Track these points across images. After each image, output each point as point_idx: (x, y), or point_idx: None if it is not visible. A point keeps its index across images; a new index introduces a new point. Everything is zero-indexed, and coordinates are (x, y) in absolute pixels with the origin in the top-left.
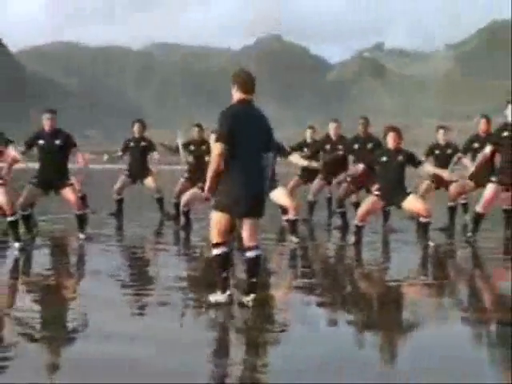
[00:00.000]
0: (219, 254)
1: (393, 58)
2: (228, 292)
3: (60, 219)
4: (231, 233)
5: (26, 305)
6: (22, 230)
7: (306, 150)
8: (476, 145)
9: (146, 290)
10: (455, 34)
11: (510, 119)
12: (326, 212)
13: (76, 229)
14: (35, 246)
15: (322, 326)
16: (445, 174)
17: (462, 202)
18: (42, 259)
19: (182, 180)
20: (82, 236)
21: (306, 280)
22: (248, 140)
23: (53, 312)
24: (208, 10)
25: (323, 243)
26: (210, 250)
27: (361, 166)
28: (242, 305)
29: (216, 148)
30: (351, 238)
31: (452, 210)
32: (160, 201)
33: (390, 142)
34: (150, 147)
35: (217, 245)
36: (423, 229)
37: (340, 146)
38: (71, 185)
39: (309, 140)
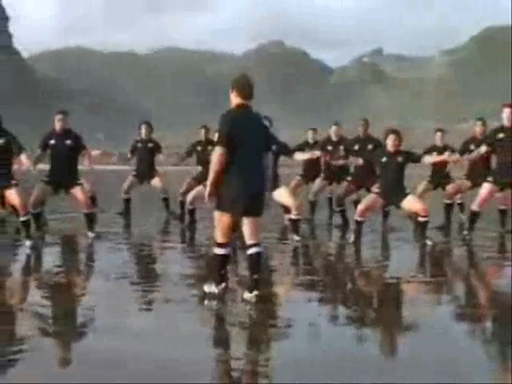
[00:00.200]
0: (220, 255)
1: (391, 63)
2: (223, 285)
3: (69, 218)
4: (234, 232)
5: (38, 301)
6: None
7: (307, 150)
8: (472, 147)
9: (153, 287)
10: (450, 41)
11: (505, 122)
12: (327, 211)
13: (85, 227)
14: (46, 244)
15: (323, 321)
16: (444, 156)
17: (458, 201)
18: (52, 257)
19: (189, 179)
20: (90, 234)
21: (307, 277)
22: (247, 142)
23: (63, 307)
24: (216, 16)
25: (324, 242)
26: (212, 248)
27: (360, 161)
28: (245, 301)
29: (216, 151)
30: (351, 237)
31: (449, 208)
32: (166, 200)
33: (390, 143)
34: (157, 148)
35: (220, 245)
36: (421, 228)
37: (341, 147)
38: (81, 184)
39: (310, 141)
